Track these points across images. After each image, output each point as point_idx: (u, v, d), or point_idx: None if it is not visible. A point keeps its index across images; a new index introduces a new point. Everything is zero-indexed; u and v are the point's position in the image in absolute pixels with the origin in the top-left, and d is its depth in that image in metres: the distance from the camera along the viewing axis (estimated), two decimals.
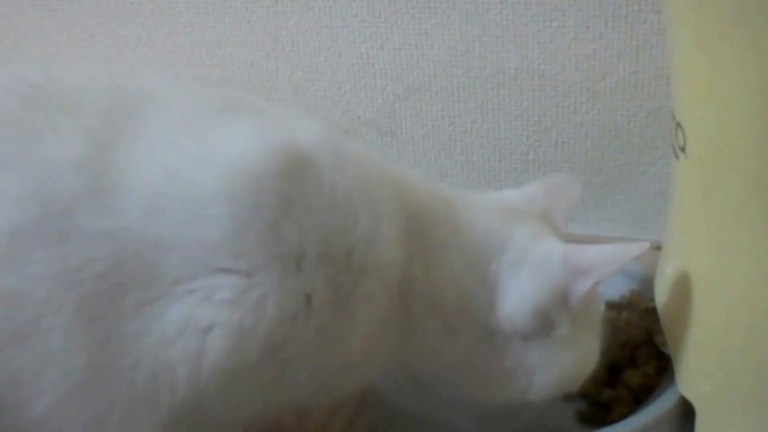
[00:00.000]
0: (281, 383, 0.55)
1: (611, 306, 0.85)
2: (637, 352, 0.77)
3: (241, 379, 0.52)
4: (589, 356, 0.65)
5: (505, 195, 0.70)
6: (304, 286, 0.52)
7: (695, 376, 0.66)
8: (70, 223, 0.49)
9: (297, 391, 0.58)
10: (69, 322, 0.48)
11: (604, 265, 0.60)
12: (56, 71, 0.57)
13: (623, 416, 0.71)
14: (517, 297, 0.61)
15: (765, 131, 0.54)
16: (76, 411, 0.49)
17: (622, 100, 1.00)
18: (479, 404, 0.68)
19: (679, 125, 0.62)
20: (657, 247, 0.76)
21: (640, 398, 0.73)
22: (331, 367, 0.57)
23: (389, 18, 1.06)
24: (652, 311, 0.76)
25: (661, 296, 0.72)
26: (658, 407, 0.68)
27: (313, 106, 1.15)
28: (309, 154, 0.54)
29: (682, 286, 0.68)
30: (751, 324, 0.60)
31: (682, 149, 0.62)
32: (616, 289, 0.86)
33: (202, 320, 0.50)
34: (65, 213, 0.49)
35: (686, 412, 0.67)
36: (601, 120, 1.02)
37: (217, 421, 0.57)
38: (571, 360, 0.63)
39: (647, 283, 0.83)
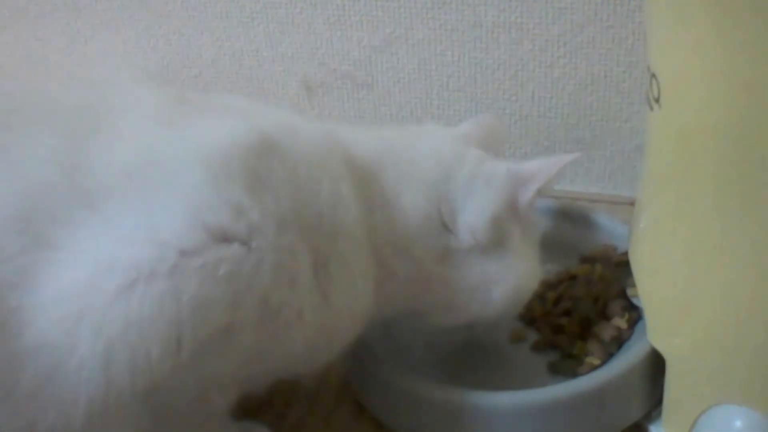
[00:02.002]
0: (278, 347, 0.58)
1: (585, 259, 0.85)
2: (609, 305, 0.77)
3: (240, 341, 0.55)
4: (534, 270, 0.71)
5: (448, 129, 0.77)
6: (292, 248, 0.56)
7: (667, 329, 0.67)
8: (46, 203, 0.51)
9: (290, 357, 0.60)
10: None
11: (543, 174, 0.68)
12: (27, 79, 0.61)
13: (595, 368, 0.71)
14: (475, 209, 0.67)
15: (736, 81, 0.54)
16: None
17: (600, 54, 1.00)
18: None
19: (653, 76, 0.62)
20: (631, 203, 0.76)
21: (611, 350, 0.73)
22: (321, 331, 0.60)
23: None
24: (625, 264, 0.77)
25: (634, 249, 0.73)
26: (629, 359, 0.69)
27: (289, 58, 1.14)
28: (272, 136, 0.59)
29: (655, 240, 0.68)
30: (722, 276, 0.60)
31: (657, 100, 0.62)
32: (590, 244, 0.87)
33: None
34: (42, 200, 0.51)
35: (657, 365, 0.67)
36: (578, 74, 1.02)
37: (217, 384, 0.59)
38: (524, 270, 0.69)
39: (620, 237, 0.83)
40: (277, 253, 0.54)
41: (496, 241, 0.67)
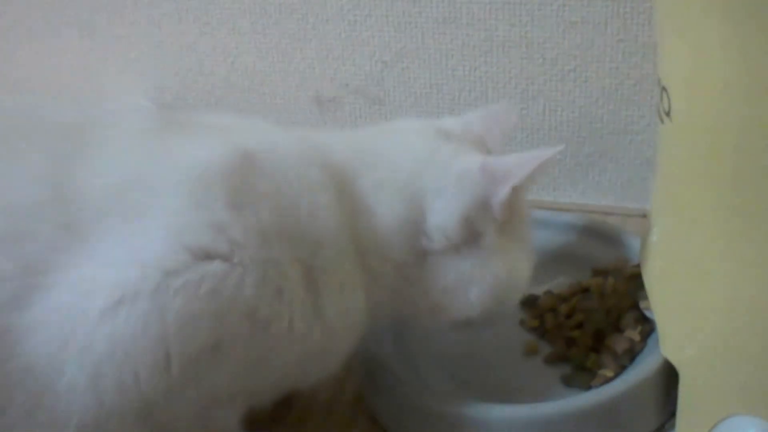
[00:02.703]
0: (272, 360, 0.58)
1: (597, 272, 0.85)
2: (622, 318, 0.77)
3: (232, 355, 0.56)
4: (520, 264, 0.69)
5: (441, 122, 0.74)
6: (277, 261, 0.56)
7: (679, 340, 0.67)
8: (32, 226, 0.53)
9: (287, 370, 0.61)
10: None
11: (519, 171, 0.64)
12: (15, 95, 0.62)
13: (608, 381, 0.71)
14: (445, 209, 0.64)
15: (746, 93, 0.54)
16: None
17: (610, 68, 1.00)
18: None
19: (664, 89, 0.62)
20: (643, 215, 0.76)
21: (624, 363, 0.73)
22: (315, 343, 0.60)
23: None
24: (637, 277, 0.77)
25: (647, 262, 0.73)
26: (642, 371, 0.69)
27: (300, 73, 1.15)
28: (251, 153, 0.59)
29: (667, 252, 0.69)
30: (734, 287, 0.60)
31: (667, 113, 0.62)
32: (603, 256, 0.87)
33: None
34: (26, 217, 0.53)
35: (670, 377, 0.67)
36: (588, 88, 1.02)
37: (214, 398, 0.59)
38: (501, 268, 0.66)
39: (633, 250, 0.83)
40: (261, 266, 0.55)
41: (470, 241, 0.65)
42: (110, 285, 0.51)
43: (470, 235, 0.65)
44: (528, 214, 0.71)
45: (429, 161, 0.66)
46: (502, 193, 0.64)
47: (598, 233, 0.90)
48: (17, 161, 0.55)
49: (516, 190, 0.64)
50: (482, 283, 0.65)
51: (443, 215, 0.64)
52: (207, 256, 0.53)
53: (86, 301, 0.51)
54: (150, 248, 0.53)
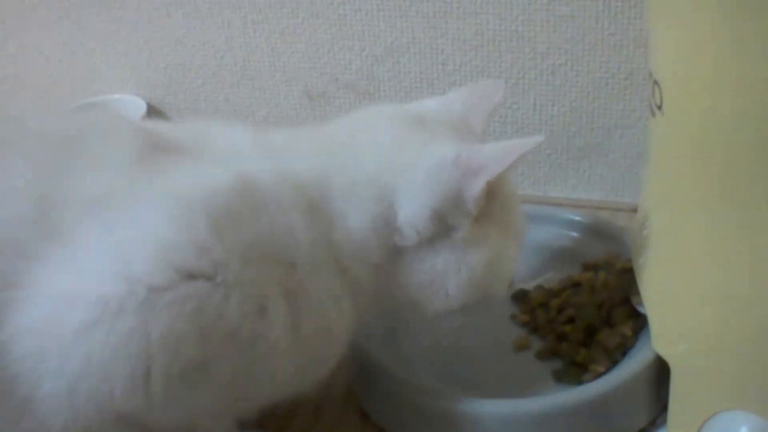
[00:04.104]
0: (260, 376, 0.58)
1: (588, 267, 0.85)
2: (613, 312, 0.77)
3: (217, 373, 0.55)
4: (501, 253, 0.66)
5: (419, 105, 0.73)
6: (258, 281, 0.56)
7: (670, 335, 0.67)
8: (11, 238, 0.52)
9: (275, 384, 0.61)
10: None
11: (495, 164, 0.61)
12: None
13: (599, 376, 0.71)
14: (415, 204, 0.62)
15: (738, 86, 0.54)
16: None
17: (601, 61, 1.00)
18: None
19: (656, 83, 0.62)
20: (634, 210, 0.76)
21: (616, 358, 0.73)
22: (301, 357, 0.60)
23: None
24: (628, 271, 0.77)
25: (638, 256, 0.73)
26: (634, 366, 0.69)
27: (290, 68, 1.14)
28: (232, 179, 0.58)
29: (658, 246, 0.68)
30: (726, 282, 0.60)
31: (659, 107, 0.62)
32: (594, 251, 0.87)
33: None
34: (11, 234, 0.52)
35: (662, 372, 0.67)
36: (579, 82, 1.02)
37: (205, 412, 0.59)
38: (478, 259, 0.64)
39: (624, 244, 0.83)
40: (243, 286, 0.55)
41: (443, 234, 0.63)
42: (91, 298, 0.50)
43: (443, 229, 0.63)
44: (514, 196, 0.69)
45: (397, 154, 0.64)
46: (476, 187, 0.61)
47: (589, 228, 0.90)
48: (2, 172, 0.55)
49: (495, 179, 0.61)
50: (458, 277, 0.64)
51: (413, 210, 0.62)
52: (191, 275, 0.53)
53: (64, 314, 0.50)
54: (136, 263, 0.52)
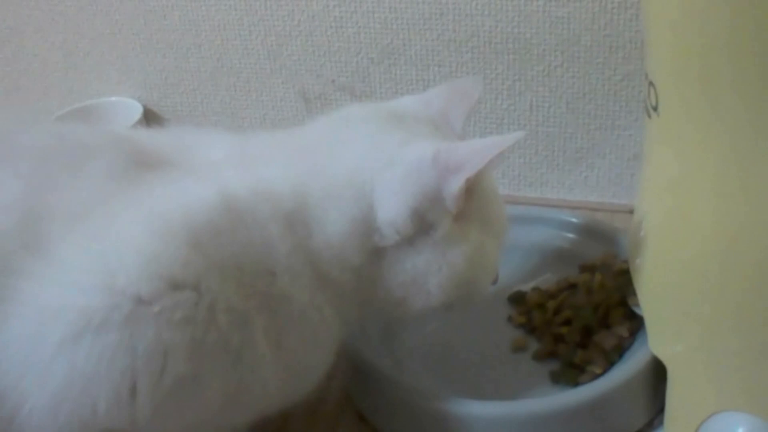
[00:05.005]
0: (251, 388, 0.58)
1: (585, 268, 0.85)
2: (610, 314, 0.77)
3: (208, 389, 0.55)
4: (481, 250, 0.66)
5: (397, 103, 0.72)
6: (240, 293, 0.56)
7: (667, 336, 0.67)
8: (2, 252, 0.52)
9: (266, 396, 0.60)
10: None
11: (474, 161, 0.60)
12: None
13: (596, 377, 0.71)
14: (393, 203, 0.61)
15: (733, 89, 0.54)
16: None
17: (597, 63, 1.00)
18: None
19: (651, 84, 0.62)
20: (630, 211, 0.76)
21: (612, 359, 0.73)
22: (288, 369, 0.60)
23: None
24: (625, 273, 0.77)
25: (634, 258, 0.73)
26: (630, 367, 0.69)
27: (286, 70, 1.14)
28: (211, 196, 0.58)
29: (654, 248, 0.68)
30: (722, 284, 0.60)
31: (655, 108, 0.62)
32: (591, 252, 0.87)
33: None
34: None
35: (658, 373, 0.67)
36: (575, 83, 1.02)
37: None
38: (459, 256, 0.63)
39: (620, 245, 0.83)
40: (227, 297, 0.54)
41: (422, 232, 0.62)
42: (73, 311, 0.50)
43: (423, 228, 0.62)
44: (494, 192, 0.69)
45: (374, 153, 0.63)
46: (455, 185, 0.61)
47: (585, 229, 0.90)
48: None
49: (475, 176, 0.61)
50: (439, 275, 0.63)
51: (392, 209, 0.61)
52: (177, 285, 0.52)
53: (46, 328, 0.50)
54: (121, 274, 0.51)
